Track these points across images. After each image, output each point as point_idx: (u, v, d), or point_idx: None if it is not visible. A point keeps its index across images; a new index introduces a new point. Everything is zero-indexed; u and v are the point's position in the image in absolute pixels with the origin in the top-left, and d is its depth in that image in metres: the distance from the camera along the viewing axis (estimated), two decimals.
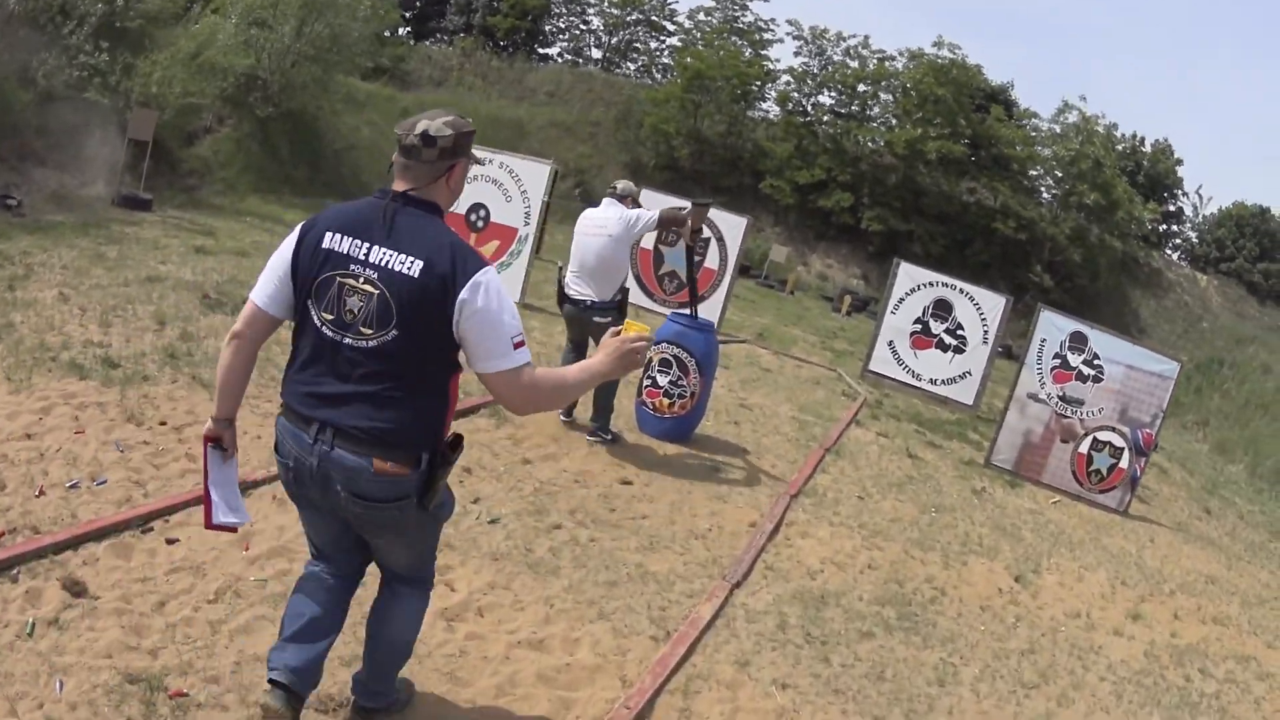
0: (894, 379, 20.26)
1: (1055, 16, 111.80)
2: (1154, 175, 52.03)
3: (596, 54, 56.59)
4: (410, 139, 4.05)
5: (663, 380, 11.38)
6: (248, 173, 25.35)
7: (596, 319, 10.30)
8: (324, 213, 4.21)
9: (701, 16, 49.03)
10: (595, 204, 11.12)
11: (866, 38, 46.27)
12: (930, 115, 43.21)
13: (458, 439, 4.33)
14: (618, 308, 10.38)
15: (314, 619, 4.50)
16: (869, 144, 46.12)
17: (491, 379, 4.02)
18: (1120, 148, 48.84)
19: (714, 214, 20.10)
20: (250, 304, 4.20)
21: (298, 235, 4.13)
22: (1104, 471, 15.05)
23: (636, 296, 19.16)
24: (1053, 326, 15.45)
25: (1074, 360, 15.29)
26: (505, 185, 18.28)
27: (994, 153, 45.06)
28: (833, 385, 18.74)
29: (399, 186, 4.10)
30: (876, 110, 46.82)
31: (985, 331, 19.92)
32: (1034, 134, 46.24)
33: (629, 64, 56.03)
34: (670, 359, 11.34)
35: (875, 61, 45.97)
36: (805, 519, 10.04)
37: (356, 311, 3.95)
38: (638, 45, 55.92)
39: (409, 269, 3.91)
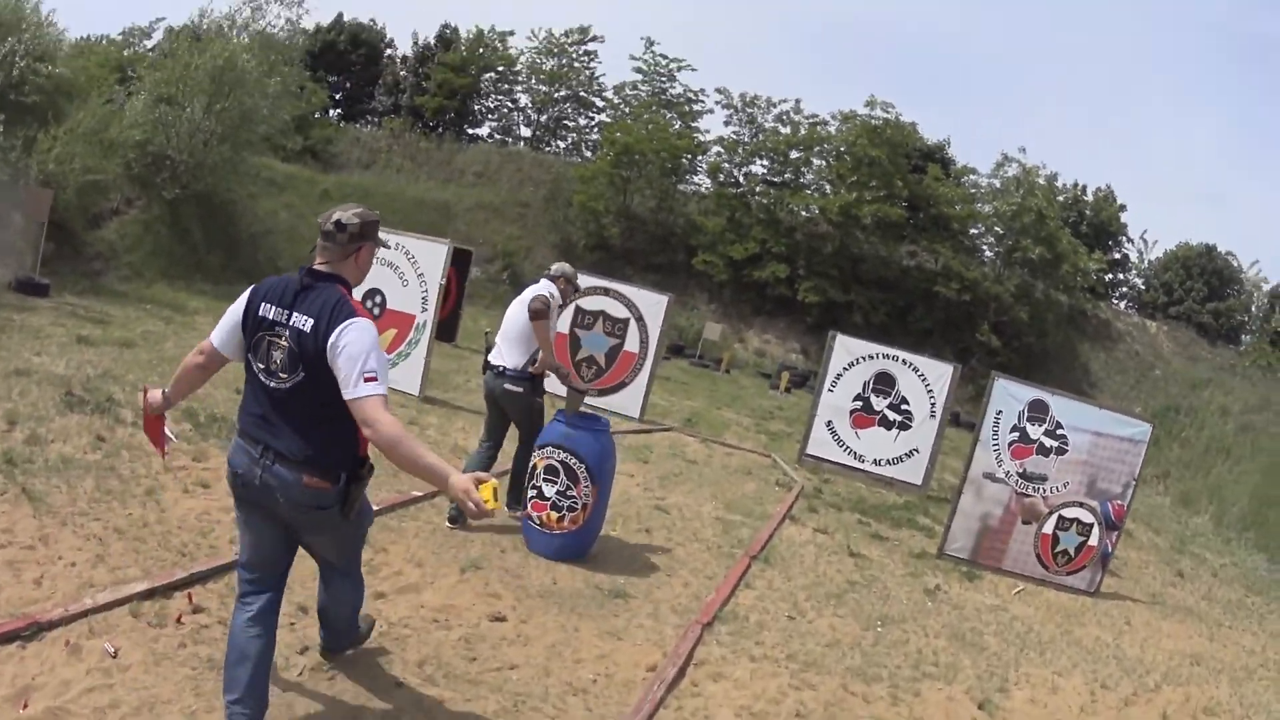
0: (834, 462, 18.70)
1: (989, 71, 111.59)
2: (1097, 224, 51.17)
3: (526, 132, 56.18)
4: (327, 225, 5.22)
5: (549, 491, 9.69)
6: (156, 257, 24.74)
7: (507, 387, 10.26)
8: (262, 284, 5.30)
9: (629, 90, 48.26)
10: (524, 288, 10.98)
11: (798, 102, 45.17)
12: (865, 178, 42.30)
13: (368, 463, 5.35)
14: (530, 380, 10.32)
15: (249, 664, 5.28)
16: (803, 212, 45.29)
17: (349, 406, 4.90)
18: (1062, 198, 48.10)
19: (633, 292, 19.45)
20: (208, 342, 5.44)
21: (247, 299, 5.26)
22: (1072, 551, 13.71)
23: (552, 384, 17.74)
24: (1009, 397, 13.84)
25: (1034, 432, 13.75)
26: (401, 268, 17.01)
27: (933, 213, 44.04)
28: (767, 474, 17.11)
29: (318, 263, 5.23)
30: (810, 176, 45.91)
31: (932, 404, 18.47)
32: (973, 191, 45.44)
33: (559, 142, 55.52)
34: (556, 465, 9.68)
35: (807, 126, 45.17)
36: (720, 654, 8.29)
37: (278, 361, 5.08)
38: (567, 122, 55.50)
39: (305, 326, 4.98)
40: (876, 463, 18.59)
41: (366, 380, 4.86)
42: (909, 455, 18.47)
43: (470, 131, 55.59)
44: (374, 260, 5.57)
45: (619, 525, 11.39)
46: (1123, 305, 53.05)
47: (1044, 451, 13.75)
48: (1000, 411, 13.76)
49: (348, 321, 4.96)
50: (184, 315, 19.80)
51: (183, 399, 5.90)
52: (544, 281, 10.81)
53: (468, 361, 22.24)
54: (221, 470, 8.19)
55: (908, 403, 18.53)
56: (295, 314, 5.06)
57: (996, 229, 44.62)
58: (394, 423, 4.85)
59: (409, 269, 16.97)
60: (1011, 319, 42.21)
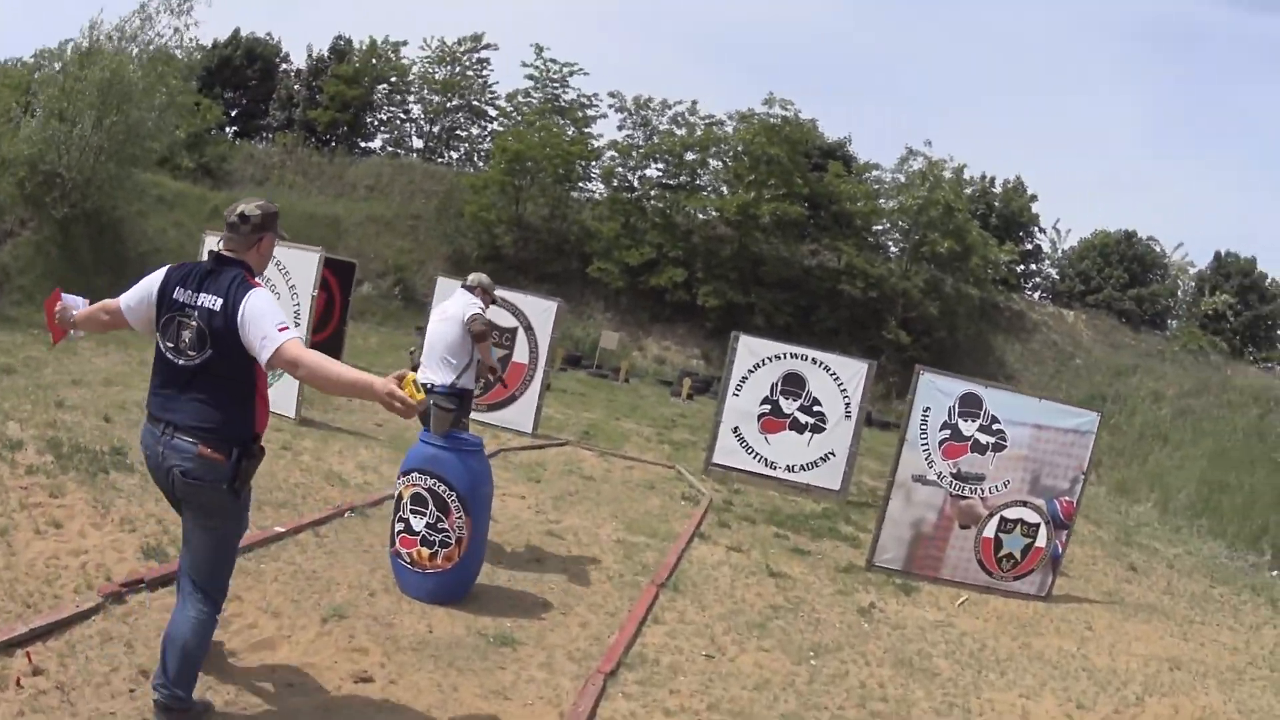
0: (744, 470, 17.44)
1: (889, 67, 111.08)
2: (1007, 215, 50.72)
3: (418, 144, 55.15)
4: (232, 217, 5.64)
5: (418, 524, 8.35)
6: (48, 279, 23.07)
7: (436, 403, 9.34)
8: (176, 268, 5.68)
9: (521, 98, 46.97)
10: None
11: (694, 103, 44.15)
12: (764, 177, 41.22)
13: (260, 442, 5.64)
14: (460, 397, 9.95)
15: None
16: (700, 215, 44.37)
17: (272, 361, 5.22)
18: (970, 191, 47.81)
19: (521, 299, 18.57)
20: (116, 303, 5.84)
21: (163, 278, 5.62)
22: (1017, 555, 12.72)
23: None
24: (936, 391, 12.61)
25: (967, 428, 12.57)
26: (271, 280, 15.38)
27: (834, 211, 43.30)
28: (671, 487, 15.80)
29: (224, 250, 5.61)
30: (707, 178, 44.90)
31: (847, 404, 17.34)
32: (876, 187, 44.63)
33: (452, 153, 54.43)
34: (424, 494, 8.34)
35: (703, 127, 44.21)
36: (628, 710, 6.96)
37: (186, 340, 5.39)
38: (460, 132, 54.44)
39: (214, 306, 5.34)
40: (790, 469, 17.36)
41: (280, 330, 5.20)
42: (824, 459, 17.31)
43: (363, 145, 54.74)
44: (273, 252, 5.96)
45: (506, 556, 10.08)
46: (1037, 296, 52.79)
47: (979, 449, 12.59)
48: (928, 408, 12.53)
49: (249, 293, 5.32)
50: (66, 340, 17.91)
51: (84, 325, 6.24)
52: (464, 295, 10.33)
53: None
54: (75, 508, 8.55)
55: (820, 404, 17.36)
56: (203, 295, 5.38)
57: (902, 224, 43.90)
58: (317, 354, 5.28)
59: (280, 280, 15.55)
60: (921, 314, 41.47)
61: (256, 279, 5.55)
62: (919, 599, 11.72)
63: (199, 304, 5.38)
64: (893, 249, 45.92)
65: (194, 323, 5.36)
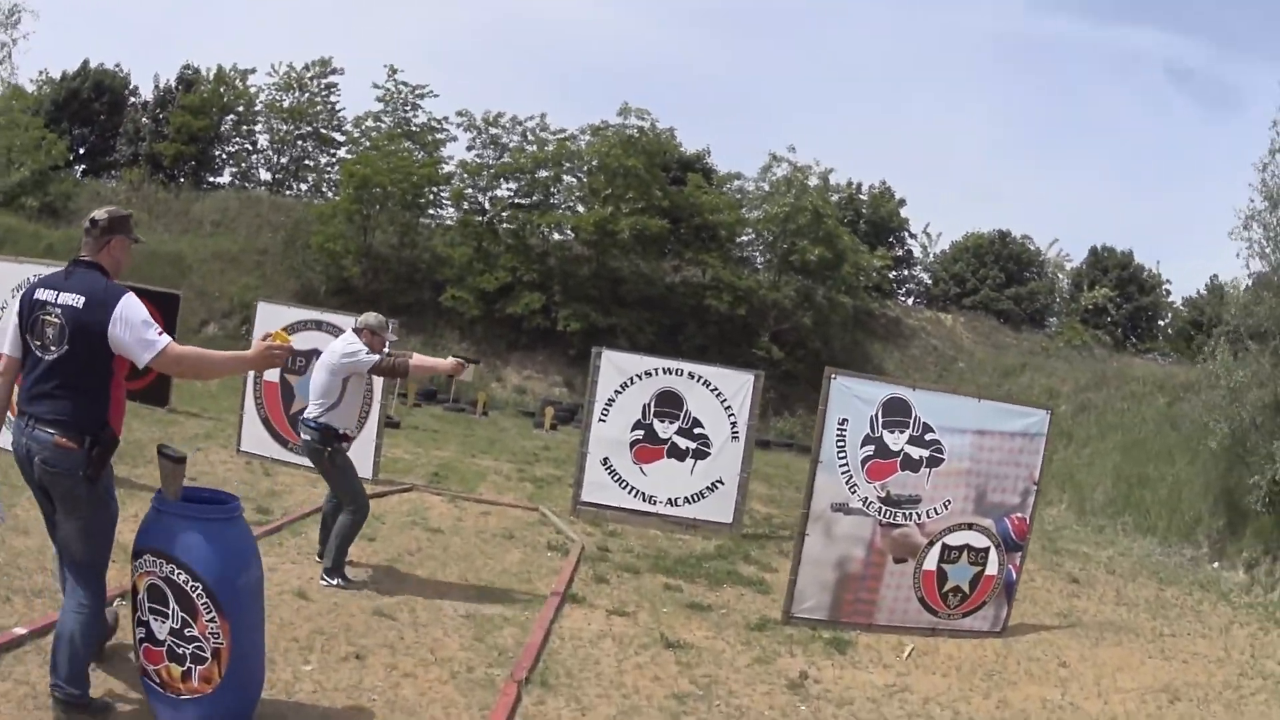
0: (618, 508, 14.87)
1: (743, 79, 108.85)
2: (876, 221, 49.27)
3: (266, 176, 52.60)
4: (85, 223, 6.03)
5: (160, 629, 5.73)
6: None
7: (304, 437, 10.05)
8: (38, 279, 6.00)
9: (370, 123, 44.41)
10: None
11: (543, 116, 41.68)
12: (620, 191, 38.69)
13: (112, 430, 5.80)
14: (322, 431, 9.90)
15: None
16: (555, 234, 41.52)
17: (155, 362, 5.59)
18: (836, 198, 45.05)
19: (351, 322, 14.94)
20: (4, 356, 5.96)
21: (20, 298, 5.91)
22: (966, 587, 10.68)
23: (268, 445, 16.26)
24: (853, 399, 10.15)
25: (895, 441, 10.22)
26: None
27: (696, 223, 41.18)
28: (535, 534, 13.25)
29: (82, 255, 5.92)
30: (560, 196, 42.46)
31: (733, 423, 14.89)
32: (739, 197, 42.59)
33: (300, 184, 51.88)
34: (161, 586, 5.73)
35: (555, 142, 41.28)
36: None
37: (50, 335, 5.65)
38: (308, 162, 52.01)
39: (76, 303, 5.62)
40: (672, 503, 14.84)
41: (160, 334, 5.61)
42: (712, 489, 14.84)
43: (211, 180, 52.11)
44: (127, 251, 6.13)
45: (316, 651, 7.51)
46: (911, 301, 51.46)
47: (911, 465, 10.30)
48: (844, 420, 10.07)
49: (122, 296, 5.65)
50: None
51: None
52: (349, 335, 10.30)
53: (181, 428, 18.40)
54: None
55: (701, 425, 14.89)
56: (64, 294, 5.67)
57: (768, 234, 41.69)
58: (192, 348, 5.95)
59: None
60: (794, 326, 39.55)
61: (126, 289, 5.78)
62: (857, 656, 9.41)
63: (60, 302, 5.64)
64: (760, 260, 44.12)
65: (56, 319, 5.61)
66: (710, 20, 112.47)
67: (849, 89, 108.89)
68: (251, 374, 15.72)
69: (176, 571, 5.62)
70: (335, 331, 14.98)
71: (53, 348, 5.62)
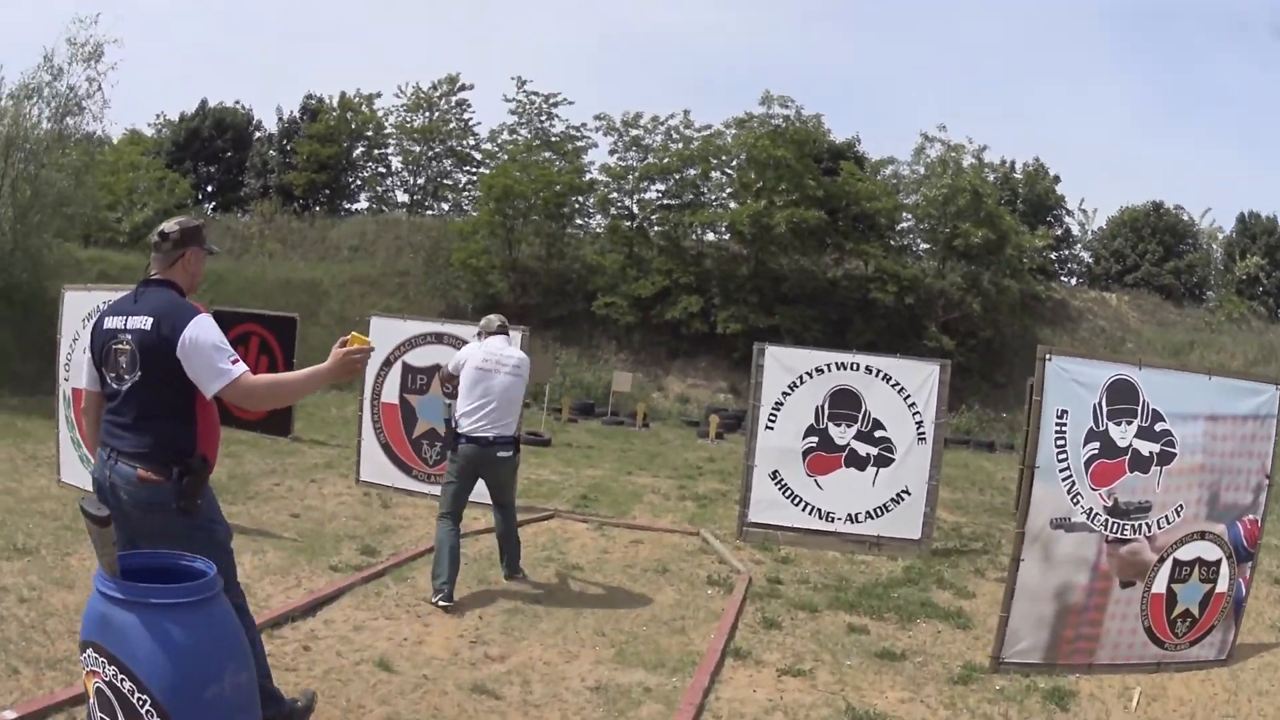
0: (791, 528, 12.68)
1: (875, 69, 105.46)
2: (1033, 199, 46.42)
3: (403, 198, 51.97)
4: (153, 238, 5.49)
5: None
6: None
7: (500, 454, 9.45)
8: (105, 308, 5.49)
9: (506, 135, 43.71)
10: None
11: (686, 113, 40.05)
12: (772, 183, 36.76)
13: (201, 455, 5.21)
14: (518, 443, 9.84)
15: None
16: (709, 234, 39.87)
17: (224, 393, 5.03)
18: (992, 177, 42.23)
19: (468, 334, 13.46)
20: (82, 391, 5.69)
21: (91, 330, 5.49)
22: (1196, 611, 8.44)
23: (389, 474, 14.55)
24: (1072, 386, 7.85)
25: (1122, 435, 7.99)
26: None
27: (853, 213, 38.82)
28: (693, 566, 11.18)
29: (151, 273, 5.42)
30: (710, 195, 40.67)
31: (919, 422, 12.62)
32: (894, 182, 40.39)
33: (441, 204, 51.03)
34: (107, 693, 4.01)
35: (700, 139, 39.56)
36: None
37: (123, 364, 5.17)
38: (446, 181, 51.17)
39: (144, 325, 5.13)
40: (853, 519, 12.64)
41: (235, 363, 5.05)
42: (897, 500, 12.60)
43: (347, 206, 51.69)
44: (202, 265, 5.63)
45: None
46: (1074, 282, 48.20)
47: (1140, 464, 8.03)
48: (1064, 412, 7.80)
49: (193, 319, 5.09)
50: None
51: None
52: (499, 339, 9.93)
53: (300, 458, 16.83)
54: None
55: (883, 426, 12.65)
56: (133, 317, 5.19)
57: (930, 218, 39.20)
58: (265, 376, 5.27)
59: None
60: (963, 314, 37.09)
61: (200, 306, 5.31)
62: (1081, 711, 7.32)
63: (130, 326, 5.19)
64: (920, 248, 41.78)
65: (127, 346, 5.16)
66: (829, 16, 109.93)
67: (977, 74, 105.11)
68: (369, 398, 14.36)
69: (120, 677, 3.88)
70: (456, 343, 13.28)
71: (126, 376, 5.18)
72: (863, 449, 12.63)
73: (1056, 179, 47.92)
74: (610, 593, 9.76)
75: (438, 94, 49.49)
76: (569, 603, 9.26)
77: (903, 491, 12.56)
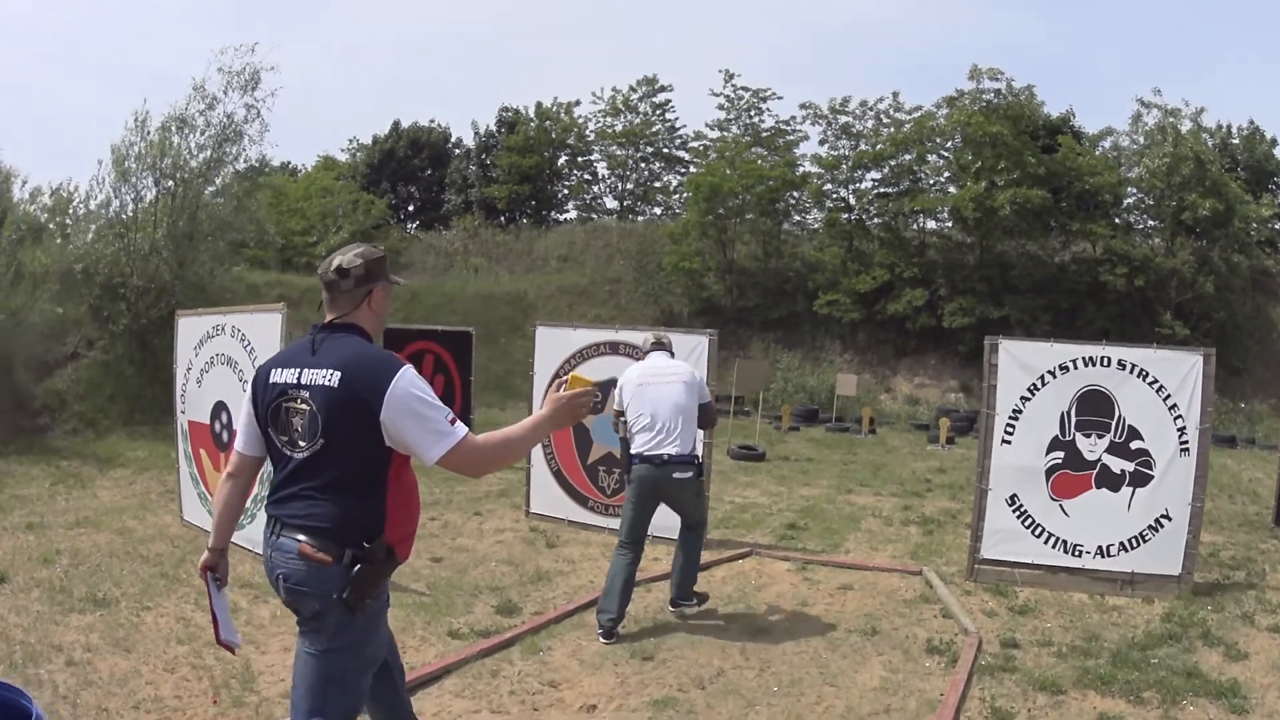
0: (1031, 565, 10.27)
1: (1068, 45, 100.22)
2: (1253, 165, 41.37)
3: (613, 204, 50.79)
4: (329, 275, 4.41)
5: None
6: (118, 402, 21.61)
7: (676, 475, 8.37)
8: (269, 359, 4.55)
9: (715, 134, 42.24)
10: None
11: (895, 95, 38.47)
12: (991, 161, 33.87)
13: (385, 545, 4.19)
14: (697, 466, 8.63)
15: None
16: (930, 223, 37.37)
17: (446, 461, 4.09)
18: (1211, 142, 37.73)
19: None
20: (234, 452, 4.60)
21: (253, 383, 4.50)
22: None
23: (561, 505, 12.79)
24: None
25: None
26: (240, 365, 10.67)
27: (1077, 191, 35.43)
28: (909, 623, 8.93)
29: (328, 317, 4.43)
30: (928, 180, 37.91)
31: (1181, 428, 10.04)
32: (1114, 154, 37.02)
33: (654, 209, 49.43)
34: None
35: (912, 121, 36.90)
36: None
37: (299, 428, 4.20)
38: (656, 184, 49.64)
39: (329, 380, 4.14)
40: (1103, 553, 10.14)
41: (454, 421, 4.13)
42: (1155, 528, 10.05)
43: (555, 217, 50.71)
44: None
45: None
46: None
47: None
48: None
49: (398, 372, 4.11)
50: (98, 468, 16.46)
51: (229, 538, 4.68)
52: (661, 355, 9.07)
53: (471, 485, 15.07)
54: None
55: (1140, 435, 10.09)
56: (311, 370, 4.23)
57: (1156, 190, 35.21)
58: (486, 436, 4.20)
59: (245, 360, 10.51)
60: (1196, 295, 33.33)
61: (401, 358, 4.31)
62: None
63: (308, 381, 4.20)
64: (1145, 224, 38.06)
65: (305, 405, 4.17)
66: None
67: (1179, 32, 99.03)
68: None
69: None
70: (634, 353, 11.44)
71: (302, 443, 4.17)
72: (1116, 465, 10.10)
73: (1274, 142, 42.86)
74: (799, 668, 7.57)
75: (637, 96, 48.03)
76: (742, 687, 7.14)
77: (1162, 516, 10.02)
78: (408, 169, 52.91)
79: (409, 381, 4.11)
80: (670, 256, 36.81)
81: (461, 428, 4.13)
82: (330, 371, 4.19)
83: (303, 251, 38.79)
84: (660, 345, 9.12)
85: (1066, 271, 35.14)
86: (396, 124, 53.56)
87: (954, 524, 13.45)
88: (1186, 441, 10.00)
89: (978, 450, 10.84)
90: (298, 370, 4.30)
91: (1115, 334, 30.97)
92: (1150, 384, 10.05)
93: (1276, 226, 40.66)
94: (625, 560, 8.35)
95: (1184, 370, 10.06)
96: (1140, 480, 10.05)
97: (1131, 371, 10.11)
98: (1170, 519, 9.99)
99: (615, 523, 10.11)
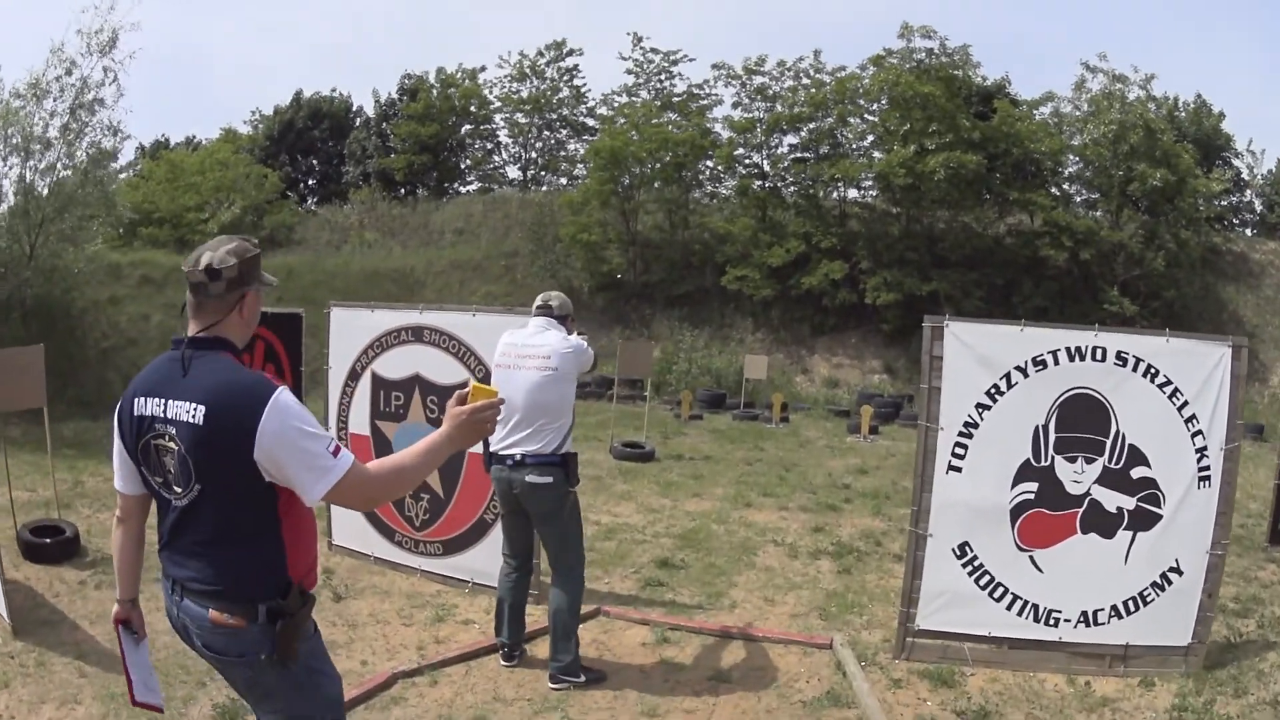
0: (985, 638, 7.26)
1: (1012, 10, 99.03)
2: (1201, 140, 39.68)
3: (515, 174, 49.31)
4: (196, 275, 3.64)
5: None
6: None
7: (530, 479, 6.81)
8: (135, 378, 3.78)
9: (624, 99, 40.42)
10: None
11: (817, 54, 35.64)
12: (920, 124, 31.89)
13: (297, 588, 3.63)
14: (563, 465, 6.91)
15: None
16: (851, 191, 35.44)
17: (326, 500, 3.55)
18: (1159, 113, 35.72)
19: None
20: (117, 492, 3.93)
21: (118, 414, 3.78)
22: None
23: (365, 538, 10.07)
24: None
25: None
26: None
27: (1015, 158, 33.20)
28: None
29: (192, 328, 3.71)
30: (849, 144, 35.82)
31: (1201, 448, 7.05)
32: (1055, 121, 34.94)
33: (559, 178, 47.82)
34: None
35: (833, 81, 34.98)
36: None
37: (172, 470, 3.59)
38: (563, 154, 48.18)
39: (193, 417, 3.47)
40: (1087, 620, 7.19)
41: (335, 451, 3.47)
42: (1162, 584, 7.11)
43: (457, 189, 49.05)
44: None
45: None
46: (1249, 233, 41.84)
47: None
48: None
49: (269, 401, 3.42)
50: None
51: (136, 586, 3.99)
52: (543, 323, 7.25)
53: None
54: None
55: (1143, 458, 7.07)
56: (177, 404, 3.50)
57: (1101, 158, 33.26)
58: (377, 463, 3.59)
59: None
60: (1144, 272, 31.57)
61: (274, 380, 3.56)
62: None
63: (173, 416, 3.49)
64: (1088, 196, 36.33)
65: (173, 444, 3.47)
66: None
67: (1106, 19, 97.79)
68: (333, 426, 10.15)
69: None
70: (445, 341, 8.92)
71: (178, 488, 3.51)
72: (1111, 500, 7.03)
73: (1221, 116, 41.81)
74: None
75: (544, 61, 46.31)
76: None
77: (1171, 569, 7.07)
78: (307, 140, 51.58)
79: (281, 412, 3.40)
80: (568, 228, 35.02)
81: (346, 458, 3.46)
82: (194, 406, 3.45)
83: (195, 229, 36.75)
84: (544, 309, 7.40)
85: (1002, 244, 33.63)
86: (298, 94, 52.47)
87: (878, 555, 10.54)
88: (1207, 467, 7.02)
89: (913, 480, 7.55)
90: (163, 401, 3.55)
91: (1054, 312, 30.08)
92: (1160, 386, 7.01)
93: (1226, 202, 40.05)
94: (508, 579, 7.23)
95: (1207, 368, 7.04)
96: (1143, 521, 7.05)
97: (1135, 368, 7.04)
98: (1181, 573, 7.07)
99: (427, 563, 9.15)
